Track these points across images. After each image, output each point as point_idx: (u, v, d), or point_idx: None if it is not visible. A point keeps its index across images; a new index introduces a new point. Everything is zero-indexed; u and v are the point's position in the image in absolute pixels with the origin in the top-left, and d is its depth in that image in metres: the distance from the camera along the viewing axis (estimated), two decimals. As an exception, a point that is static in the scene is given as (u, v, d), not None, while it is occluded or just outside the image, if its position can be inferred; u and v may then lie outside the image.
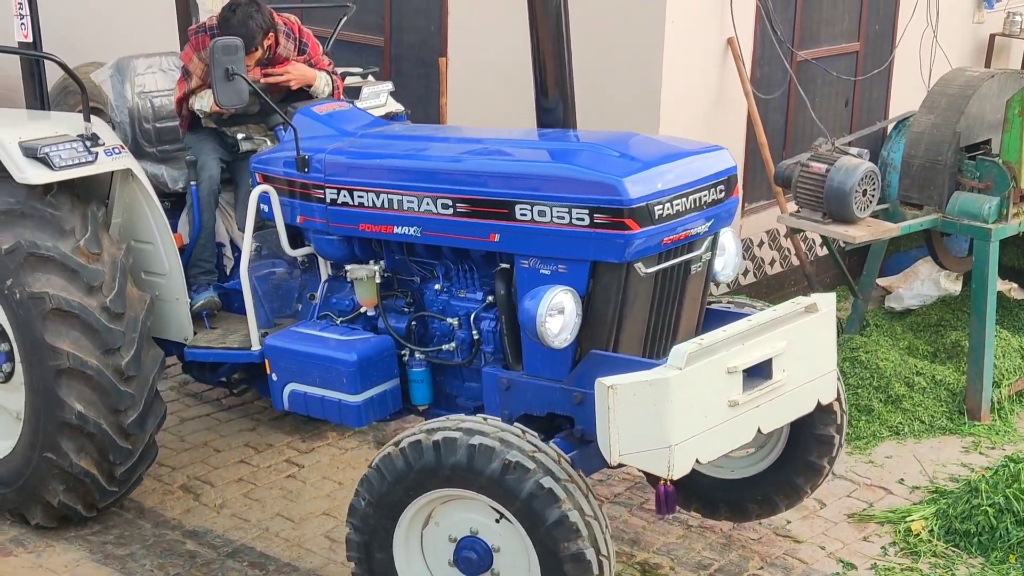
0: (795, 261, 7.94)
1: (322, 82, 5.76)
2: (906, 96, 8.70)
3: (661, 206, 4.51)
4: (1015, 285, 8.10)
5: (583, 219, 4.51)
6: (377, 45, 8.11)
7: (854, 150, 6.97)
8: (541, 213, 4.61)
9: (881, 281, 8.47)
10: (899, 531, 5.82)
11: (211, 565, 5.43)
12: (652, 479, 5.13)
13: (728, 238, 5.04)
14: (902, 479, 6.32)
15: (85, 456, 5.25)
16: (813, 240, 8.18)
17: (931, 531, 5.82)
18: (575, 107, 5.30)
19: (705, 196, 4.70)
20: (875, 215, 6.98)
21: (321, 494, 6.06)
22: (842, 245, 7.63)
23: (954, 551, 5.68)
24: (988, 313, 6.91)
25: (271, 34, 5.66)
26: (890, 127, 7.57)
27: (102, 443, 5.24)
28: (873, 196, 6.81)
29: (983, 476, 6.08)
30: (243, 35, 5.43)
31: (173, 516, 5.78)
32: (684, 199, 4.60)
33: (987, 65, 9.53)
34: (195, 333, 5.64)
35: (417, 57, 7.97)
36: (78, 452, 5.23)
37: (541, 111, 5.30)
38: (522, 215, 4.65)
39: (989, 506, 5.77)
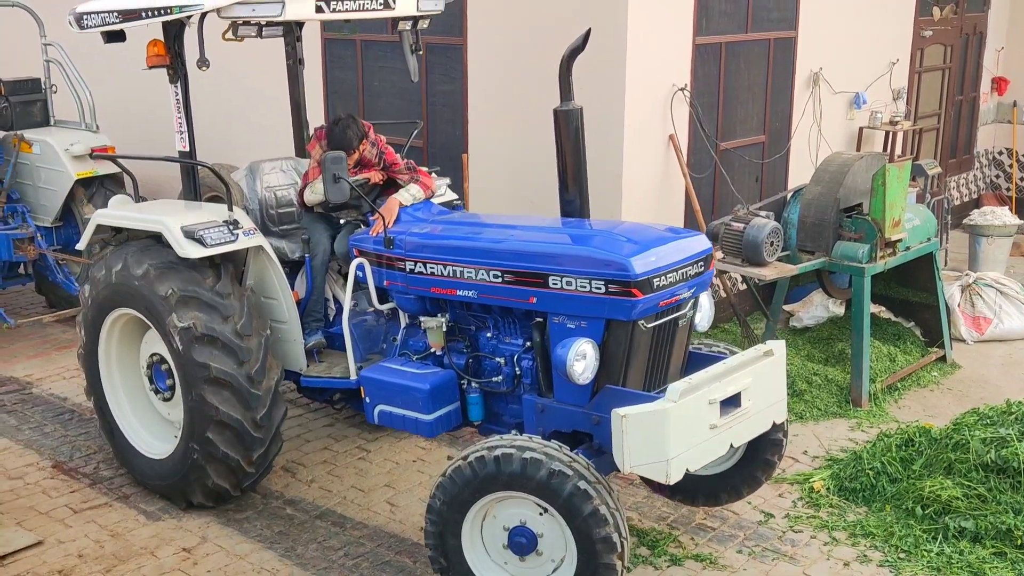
0: (723, 294, 7.95)
1: (408, 195, 5.51)
2: (800, 172, 8.70)
3: (659, 278, 4.52)
4: (884, 308, 8.10)
5: (600, 288, 4.52)
6: (419, 147, 8.19)
7: (763, 213, 6.90)
8: (568, 283, 4.61)
9: (786, 307, 8.47)
10: (804, 489, 5.78)
11: (304, 524, 5.44)
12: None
13: (705, 298, 4.98)
14: (805, 451, 6.29)
15: (229, 445, 5.24)
16: (736, 279, 8.20)
17: (828, 489, 5.79)
18: (588, 200, 5.30)
19: (690, 270, 4.69)
20: (780, 259, 6.99)
21: (383, 471, 6.04)
22: (757, 282, 7.64)
23: (845, 503, 5.66)
24: (864, 328, 6.90)
25: (364, 141, 5.61)
26: (789, 195, 7.57)
27: (241, 434, 5.22)
28: (778, 246, 6.82)
29: (865, 447, 6.09)
30: (344, 141, 5.45)
31: (276, 489, 5.79)
32: (675, 272, 4.60)
33: (858, 150, 9.52)
34: (308, 366, 5.61)
35: (447, 154, 8.05)
36: (224, 442, 5.22)
37: (564, 202, 5.27)
38: (554, 284, 4.65)
39: (870, 469, 5.78)
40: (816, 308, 8.23)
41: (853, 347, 6.97)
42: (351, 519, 5.49)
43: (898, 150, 9.95)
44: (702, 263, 4.78)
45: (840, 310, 8.09)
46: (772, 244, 6.73)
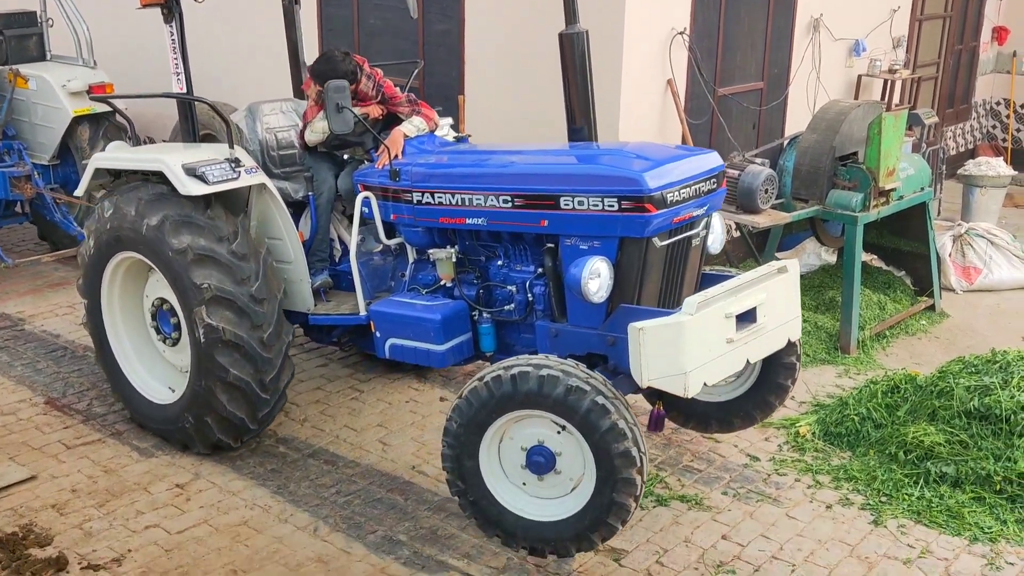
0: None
1: (412, 126, 5.38)
2: (797, 120, 8.60)
3: (672, 194, 4.39)
4: (875, 256, 8.06)
5: (613, 206, 4.39)
6: (416, 87, 8.06)
7: (759, 160, 6.88)
8: (580, 203, 4.47)
9: (780, 255, 8.42)
10: (791, 434, 5.77)
11: (297, 462, 5.43)
12: (650, 401, 5.11)
13: (716, 220, 4.87)
14: (792, 396, 6.10)
15: (235, 404, 5.17)
16: (730, 226, 8.14)
17: (814, 433, 5.78)
18: (596, 131, 5.17)
19: (702, 187, 4.56)
20: (774, 207, 6.90)
21: (376, 411, 6.00)
22: (751, 229, 7.58)
23: (830, 447, 5.66)
24: (855, 276, 6.85)
25: (363, 70, 5.45)
26: (785, 143, 7.48)
27: (249, 395, 5.16)
28: (772, 193, 6.75)
29: (851, 393, 6.08)
30: (339, 74, 5.27)
31: (269, 428, 5.69)
32: (688, 188, 4.47)
33: (856, 98, 9.39)
34: (315, 305, 5.50)
35: (443, 95, 7.92)
36: (231, 401, 5.15)
37: (572, 132, 5.13)
38: (565, 205, 4.52)
39: (855, 415, 5.78)
40: (808, 256, 8.19)
41: (843, 295, 6.95)
42: (343, 457, 5.49)
43: (896, 99, 9.83)
44: (714, 180, 4.66)
45: (832, 258, 8.05)
46: (767, 192, 6.67)
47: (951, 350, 6.98)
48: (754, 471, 5.43)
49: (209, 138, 8.08)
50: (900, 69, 9.65)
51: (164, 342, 5.60)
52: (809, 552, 4.72)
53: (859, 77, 9.45)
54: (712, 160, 4.69)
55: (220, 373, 5.08)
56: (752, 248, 7.88)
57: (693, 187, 4.52)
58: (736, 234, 8.28)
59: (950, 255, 8.19)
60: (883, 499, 5.15)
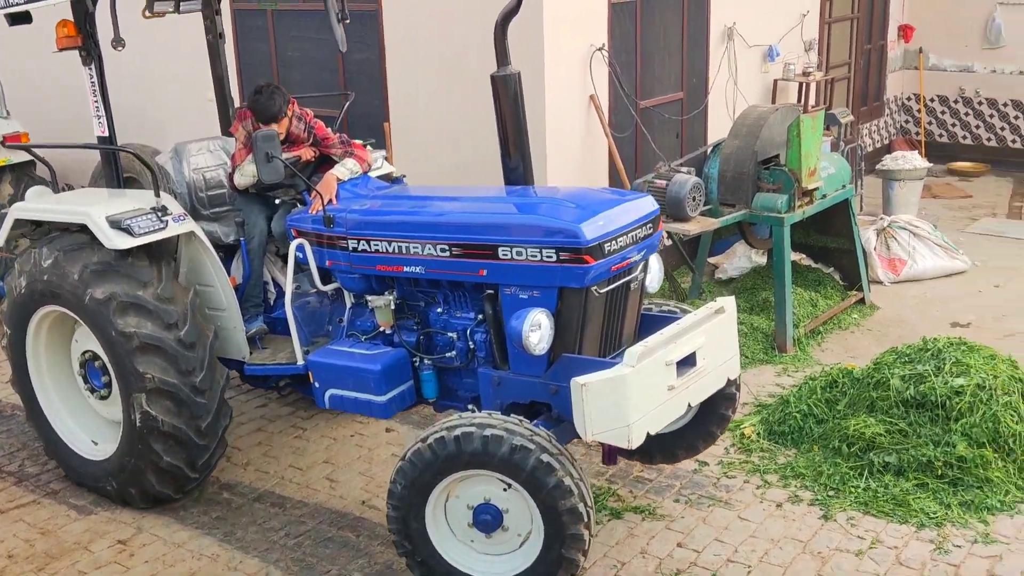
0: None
1: (345, 170, 5.25)
2: (719, 126, 8.71)
3: (609, 243, 4.37)
4: (804, 255, 8.18)
5: (552, 256, 4.34)
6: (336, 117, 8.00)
7: (684, 169, 6.91)
8: (519, 253, 4.42)
9: (711, 260, 8.51)
10: (736, 436, 5.80)
11: (242, 508, 5.30)
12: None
13: (654, 261, 4.85)
14: None
15: (172, 453, 5.02)
16: (666, 234, 8.17)
17: (758, 434, 5.82)
18: (532, 166, 5.08)
19: (639, 232, 4.54)
20: (702, 214, 6.96)
21: (321, 448, 5.90)
22: (681, 237, 7.65)
23: (775, 446, 5.71)
24: (786, 276, 6.93)
25: (289, 108, 5.30)
26: (709, 150, 7.58)
27: (186, 443, 5.01)
28: (700, 200, 6.82)
29: (791, 391, 6.14)
30: (272, 109, 5.19)
31: (212, 475, 5.53)
32: (625, 236, 4.45)
33: (773, 102, 9.58)
34: (251, 353, 5.35)
35: (367, 124, 7.87)
36: (167, 451, 5.00)
37: (507, 169, 5.07)
38: (504, 255, 4.46)
39: (797, 412, 5.84)
40: (739, 259, 8.29)
41: (776, 295, 7.03)
42: (290, 498, 5.37)
43: (812, 100, 10.04)
44: (650, 225, 4.65)
45: (762, 260, 8.15)
46: (694, 199, 6.73)
47: (883, 341, 7.10)
48: (704, 476, 5.44)
49: (132, 182, 7.89)
50: (813, 71, 9.87)
51: (94, 395, 5.42)
52: (763, 552, 4.74)
53: (775, 82, 9.63)
54: (647, 205, 4.67)
55: (153, 423, 4.92)
56: (685, 256, 7.95)
57: (630, 234, 4.50)
58: (668, 243, 8.34)
59: (875, 249, 8.36)
60: (831, 493, 5.20)
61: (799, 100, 9.76)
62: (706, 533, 4.91)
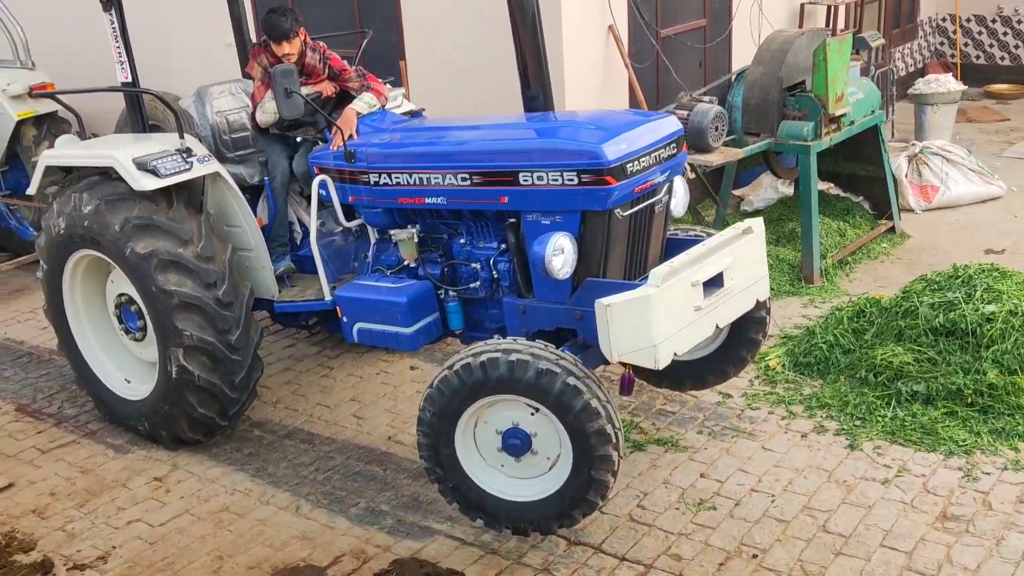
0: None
1: (364, 104, 5.23)
2: (743, 54, 8.53)
3: (632, 164, 4.31)
4: (832, 184, 8.08)
5: (573, 179, 4.30)
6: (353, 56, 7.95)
7: (707, 98, 6.79)
8: (540, 178, 4.38)
9: (737, 192, 8.42)
10: (761, 367, 5.75)
11: (273, 444, 5.39)
12: (622, 364, 4.98)
13: (678, 183, 4.77)
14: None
15: (208, 371, 5.04)
16: (685, 167, 8.07)
17: (783, 365, 5.78)
18: (552, 93, 4.99)
19: (662, 153, 4.47)
20: (726, 144, 6.86)
21: (347, 386, 5.96)
22: (705, 168, 7.55)
23: (800, 377, 5.66)
24: (813, 206, 6.84)
25: (301, 31, 5.23)
26: (733, 78, 7.44)
27: (219, 396, 5.10)
28: (723, 130, 6.72)
29: (817, 322, 6.08)
30: (281, 26, 5.13)
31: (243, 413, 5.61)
32: (648, 156, 4.39)
33: (800, 27, 9.34)
34: (280, 291, 5.38)
35: (383, 63, 7.80)
36: (201, 403, 5.10)
37: (526, 98, 4.97)
38: (524, 180, 4.42)
39: (823, 343, 5.79)
40: (766, 190, 8.20)
41: (802, 225, 6.96)
42: (319, 435, 5.44)
43: (841, 24, 9.78)
44: (674, 145, 4.58)
45: (789, 190, 8.05)
46: (717, 129, 6.64)
47: (914, 270, 7.01)
48: (727, 408, 5.44)
49: (156, 129, 7.92)
50: (843, -6, 9.61)
51: (128, 336, 5.52)
52: (787, 482, 4.75)
53: (802, 6, 9.42)
54: (670, 125, 4.60)
55: (189, 377, 5.00)
56: (708, 188, 7.86)
57: (653, 155, 4.44)
58: (691, 176, 8.24)
59: (907, 176, 8.21)
60: (857, 423, 5.18)
61: (827, 24, 9.51)
62: (729, 463, 4.93)
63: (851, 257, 7.27)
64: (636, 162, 4.36)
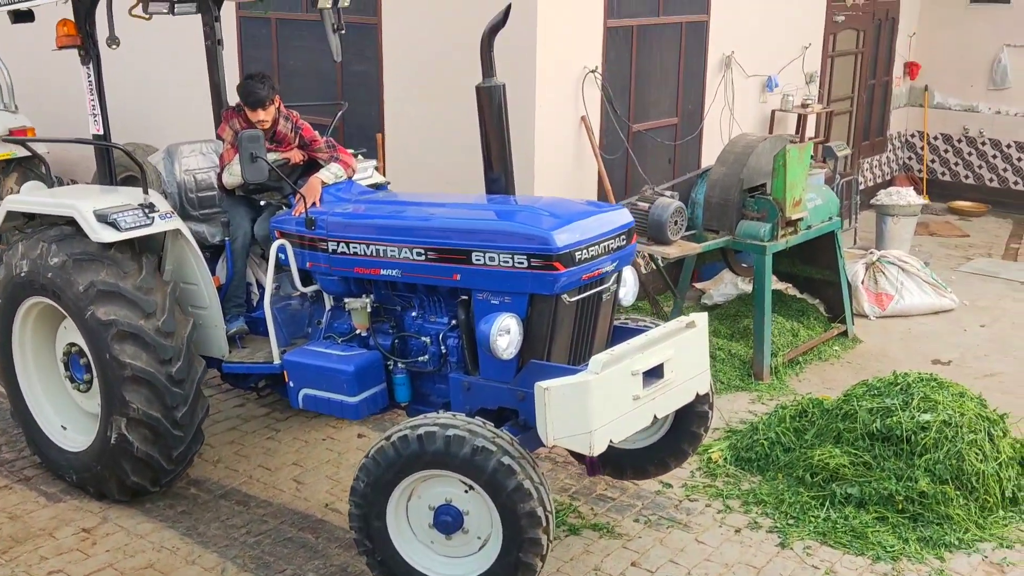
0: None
1: (330, 173, 5.36)
2: (712, 154, 8.62)
3: (580, 251, 4.44)
4: (790, 285, 8.22)
5: (523, 262, 4.43)
6: (337, 127, 8.12)
7: (668, 193, 6.99)
8: (491, 258, 4.51)
9: (698, 285, 8.57)
10: (703, 460, 5.82)
11: (208, 504, 5.37)
12: (577, 455, 5.08)
13: (628, 273, 4.91)
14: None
15: (148, 443, 5.07)
16: (645, 259, 8.24)
17: (725, 459, 5.85)
18: (513, 177, 5.14)
19: (612, 243, 4.61)
20: (685, 238, 7.06)
21: (291, 450, 5.96)
22: (662, 260, 7.68)
23: (741, 472, 5.73)
24: (766, 305, 6.96)
25: (276, 99, 5.37)
26: (697, 176, 7.65)
27: (161, 433, 5.07)
28: (682, 224, 6.88)
29: (761, 419, 6.17)
30: (258, 93, 5.27)
31: (180, 471, 5.65)
32: (597, 246, 4.52)
33: (770, 132, 9.59)
34: (230, 352, 5.41)
35: (363, 135, 7.98)
36: (143, 440, 5.06)
37: (488, 181, 5.14)
38: (477, 260, 4.55)
39: (765, 440, 5.86)
40: (726, 286, 8.33)
41: (755, 322, 7.07)
42: (255, 497, 5.43)
43: (811, 132, 10.09)
44: (624, 236, 4.71)
45: (749, 287, 8.15)
46: (676, 223, 6.80)
47: (862, 374, 7.10)
48: (666, 498, 5.47)
49: (131, 180, 8.04)
50: (813, 104, 9.92)
51: (77, 389, 5.51)
52: (716, 576, 4.77)
53: (772, 112, 9.68)
54: (622, 217, 4.74)
55: (128, 447, 5.01)
56: (667, 280, 8.00)
57: (602, 244, 4.56)
58: (649, 267, 8.40)
59: (863, 282, 8.38)
60: (790, 521, 5.22)
61: (797, 132, 9.81)
62: (661, 554, 4.94)
63: (802, 357, 7.38)
64: (585, 250, 4.48)
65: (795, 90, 9.82)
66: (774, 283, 8.03)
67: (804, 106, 9.83)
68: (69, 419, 5.60)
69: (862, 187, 11.58)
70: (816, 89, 10.23)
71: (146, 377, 4.95)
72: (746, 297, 8.11)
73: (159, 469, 5.16)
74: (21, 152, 8.31)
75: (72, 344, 5.40)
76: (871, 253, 8.66)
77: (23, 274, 5.28)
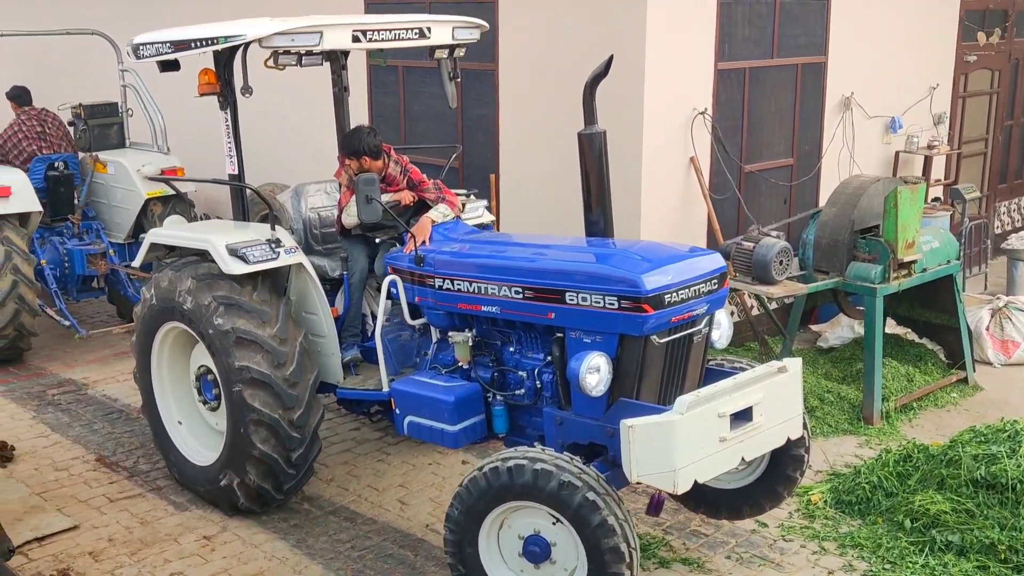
0: (737, 315, 8.00)
1: (439, 213, 5.71)
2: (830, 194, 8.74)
3: (670, 295, 4.59)
4: (910, 330, 8.06)
5: (613, 304, 4.61)
6: (456, 167, 8.49)
7: (774, 233, 7.02)
8: (583, 299, 4.71)
9: (814, 327, 8.51)
10: (803, 502, 5.81)
11: (318, 518, 5.72)
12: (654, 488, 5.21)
13: (722, 316, 5.00)
14: (810, 466, 6.22)
15: (263, 477, 5.48)
16: (755, 298, 8.24)
17: (825, 501, 5.83)
18: (612, 220, 5.37)
19: (702, 287, 4.73)
20: (793, 279, 7.07)
21: (399, 472, 6.27)
22: (775, 300, 7.67)
23: (840, 515, 5.70)
24: (877, 348, 6.89)
25: (388, 150, 5.78)
26: (809, 216, 7.64)
27: (275, 471, 5.47)
28: (787, 264, 6.90)
29: (865, 462, 6.11)
30: (365, 147, 5.66)
31: (296, 486, 5.92)
32: (687, 289, 4.66)
33: (894, 174, 9.45)
34: (345, 378, 5.78)
35: (480, 176, 8.35)
36: (258, 475, 5.48)
37: (588, 223, 5.36)
38: (570, 300, 4.76)
39: (867, 483, 5.81)
40: (843, 328, 8.25)
41: (865, 365, 7.00)
42: (362, 515, 5.76)
43: (939, 174, 9.87)
44: (716, 281, 4.83)
45: (865, 330, 8.06)
46: (781, 263, 6.82)
47: (978, 422, 6.87)
48: (761, 536, 5.50)
49: (268, 217, 8.67)
50: (939, 145, 9.71)
51: (207, 407, 5.99)
52: (804, 616, 4.77)
53: (896, 153, 9.54)
54: (714, 262, 4.87)
55: (251, 448, 5.42)
56: (774, 320, 7.97)
57: (693, 288, 4.70)
58: (759, 310, 8.38)
59: (988, 328, 8.13)
60: (886, 566, 5.16)
61: (923, 173, 9.62)
62: (749, 591, 4.98)
63: (916, 403, 7.22)
64: (675, 293, 4.63)
65: (921, 131, 9.66)
66: (893, 327, 7.93)
67: (931, 147, 9.64)
68: (202, 438, 6.05)
69: (998, 231, 11.19)
70: (945, 130, 10.02)
71: (263, 379, 5.33)
72: (862, 341, 7.98)
73: (280, 472, 5.49)
74: (169, 190, 9.04)
75: (202, 366, 5.89)
76: (998, 299, 8.39)
77: (157, 302, 5.78)
